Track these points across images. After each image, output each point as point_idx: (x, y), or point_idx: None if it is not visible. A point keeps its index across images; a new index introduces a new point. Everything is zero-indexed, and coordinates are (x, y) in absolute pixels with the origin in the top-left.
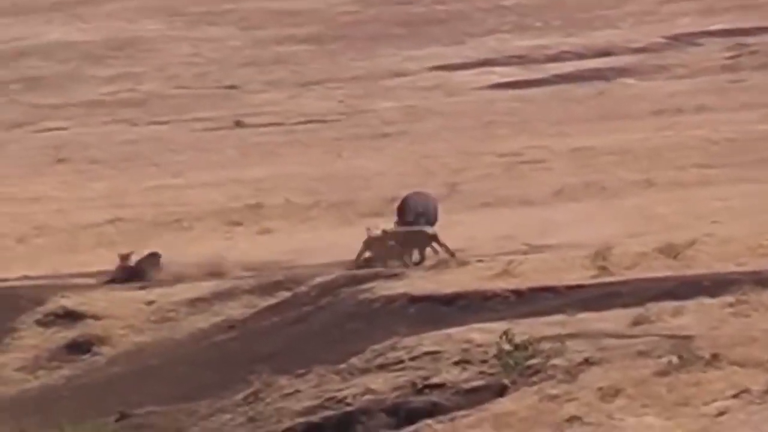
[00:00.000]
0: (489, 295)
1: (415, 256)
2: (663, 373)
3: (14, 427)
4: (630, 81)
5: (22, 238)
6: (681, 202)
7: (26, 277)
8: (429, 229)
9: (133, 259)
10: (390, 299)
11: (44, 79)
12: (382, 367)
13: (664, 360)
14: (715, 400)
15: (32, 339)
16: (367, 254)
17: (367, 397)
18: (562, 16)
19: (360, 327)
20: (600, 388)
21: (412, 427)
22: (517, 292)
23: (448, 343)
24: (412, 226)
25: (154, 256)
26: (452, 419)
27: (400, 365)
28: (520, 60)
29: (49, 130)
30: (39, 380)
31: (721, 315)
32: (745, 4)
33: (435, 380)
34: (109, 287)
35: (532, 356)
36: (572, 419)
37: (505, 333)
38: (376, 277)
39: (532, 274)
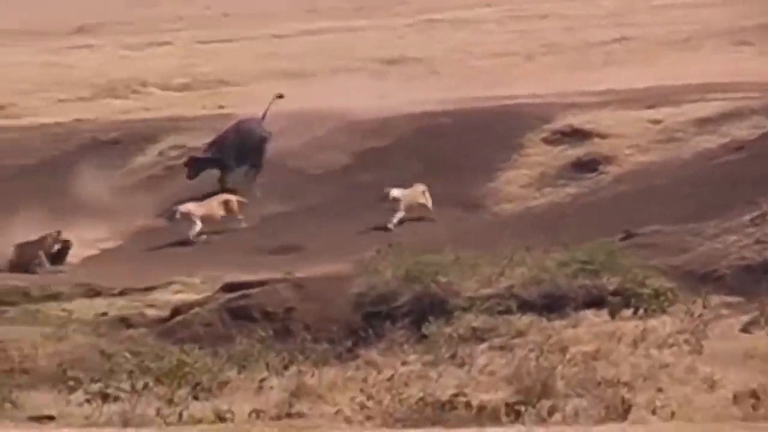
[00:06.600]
0: None
1: None
2: None
3: (519, 243)
4: None
5: (530, 55)
6: None
7: (534, 95)
8: None
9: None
10: None
11: None
12: None
13: None
14: None
15: (539, 156)
16: None
17: None
18: None
19: None
20: None
21: None
22: None
23: None
24: None
25: None
26: None
27: None
28: None
29: None
30: (545, 197)
31: None
32: None
33: None
34: None
35: None
36: None
37: None
38: None
39: None
